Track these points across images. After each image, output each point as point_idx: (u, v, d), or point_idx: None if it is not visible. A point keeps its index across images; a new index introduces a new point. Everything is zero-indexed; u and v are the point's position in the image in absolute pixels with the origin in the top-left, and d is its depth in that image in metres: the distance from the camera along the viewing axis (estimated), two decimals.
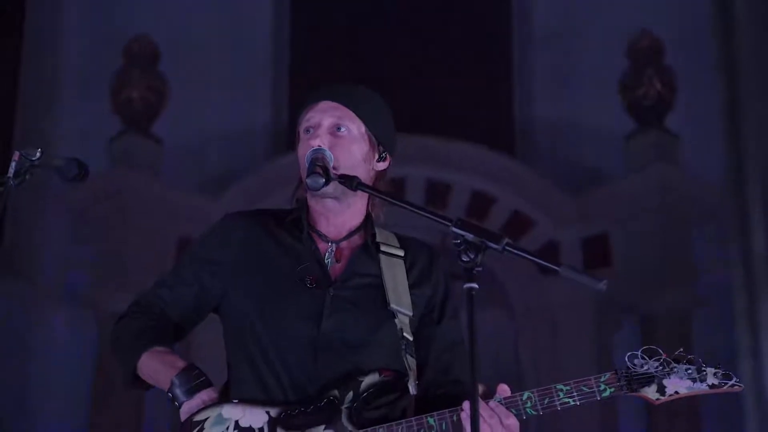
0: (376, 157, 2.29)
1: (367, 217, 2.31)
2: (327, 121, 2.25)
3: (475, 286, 1.85)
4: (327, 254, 2.26)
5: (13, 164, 2.15)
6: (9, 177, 2.13)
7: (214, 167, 7.03)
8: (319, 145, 2.20)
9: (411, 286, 2.25)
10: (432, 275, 2.29)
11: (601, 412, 6.26)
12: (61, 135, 6.79)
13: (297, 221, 2.28)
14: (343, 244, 2.27)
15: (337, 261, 2.25)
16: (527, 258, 1.95)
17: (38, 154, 2.16)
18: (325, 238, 2.27)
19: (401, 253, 2.29)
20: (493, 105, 7.04)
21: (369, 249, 2.27)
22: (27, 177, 2.16)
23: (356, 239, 2.29)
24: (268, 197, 6.43)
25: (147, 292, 2.33)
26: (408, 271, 2.27)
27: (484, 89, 7.03)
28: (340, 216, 2.27)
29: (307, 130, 2.26)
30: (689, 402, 5.94)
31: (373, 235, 2.29)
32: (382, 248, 2.28)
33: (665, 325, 6.32)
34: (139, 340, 2.22)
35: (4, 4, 6.81)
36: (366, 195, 2.26)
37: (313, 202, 2.28)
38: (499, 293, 6.47)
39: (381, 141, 2.30)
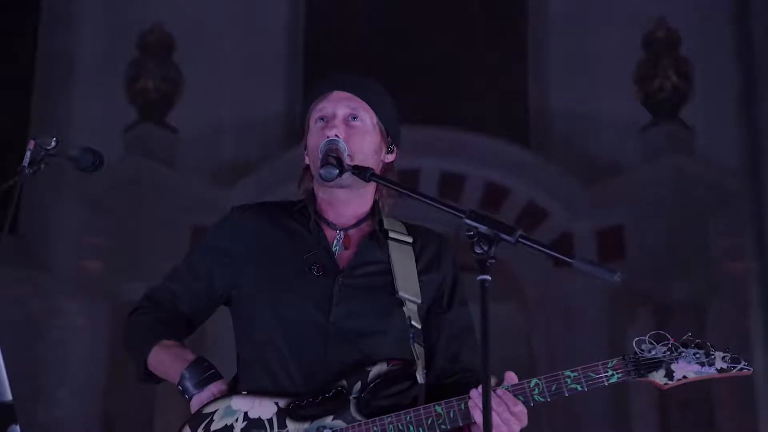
0: (385, 148, 2.29)
1: (375, 205, 2.30)
2: (342, 111, 2.25)
3: (489, 278, 1.84)
4: (335, 242, 2.26)
5: (28, 153, 2.15)
6: (24, 166, 2.14)
7: (228, 157, 7.04)
8: (336, 135, 2.19)
9: (420, 273, 2.25)
10: (441, 262, 2.29)
11: (613, 403, 6.25)
12: (75, 124, 6.81)
13: (304, 210, 2.28)
14: (352, 231, 2.27)
15: (346, 248, 2.25)
16: (541, 250, 1.94)
17: (53, 143, 2.16)
18: (333, 225, 2.27)
19: (410, 240, 2.29)
20: (507, 96, 7.02)
21: (377, 236, 2.27)
22: (42, 166, 2.16)
23: (364, 227, 2.29)
24: (281, 187, 6.42)
25: (158, 287, 2.33)
26: (417, 258, 2.27)
27: (498, 80, 7.01)
28: (348, 205, 2.27)
29: (320, 120, 2.26)
30: (701, 392, 5.95)
31: (381, 222, 2.29)
32: (391, 235, 2.28)
33: (680, 316, 6.30)
34: (149, 334, 2.23)
35: None
36: (374, 184, 2.26)
37: (321, 192, 2.28)
38: (512, 285, 6.46)
39: (390, 133, 2.30)
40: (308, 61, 7.19)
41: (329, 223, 2.26)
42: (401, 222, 2.33)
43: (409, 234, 2.30)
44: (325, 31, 7.17)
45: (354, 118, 2.25)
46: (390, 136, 2.29)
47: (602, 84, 6.86)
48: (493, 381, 1.97)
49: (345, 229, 2.26)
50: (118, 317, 6.57)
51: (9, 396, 1.81)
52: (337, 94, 2.26)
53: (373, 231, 2.27)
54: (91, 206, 6.76)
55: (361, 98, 2.26)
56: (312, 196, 2.29)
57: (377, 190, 2.29)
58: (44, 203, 6.54)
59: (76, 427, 6.46)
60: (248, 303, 2.23)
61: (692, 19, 6.83)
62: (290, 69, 7.18)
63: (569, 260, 1.90)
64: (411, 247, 2.27)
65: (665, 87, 6.76)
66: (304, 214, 2.27)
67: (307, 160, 2.31)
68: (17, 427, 1.82)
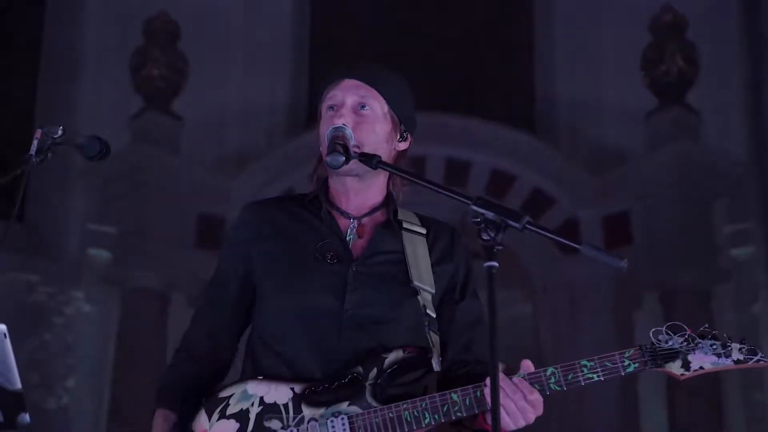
0: (398, 136, 2.28)
1: (388, 194, 2.30)
2: (350, 100, 2.24)
3: (496, 264, 1.84)
4: (349, 230, 2.25)
5: (35, 142, 2.15)
6: (31, 155, 2.14)
7: (233, 144, 7.04)
8: (343, 124, 2.19)
9: (433, 264, 2.25)
10: (454, 254, 2.29)
11: (622, 392, 6.26)
12: (81, 112, 6.81)
13: (316, 200, 2.28)
14: (365, 220, 2.27)
15: (360, 237, 2.25)
16: (547, 236, 1.94)
17: (60, 132, 2.16)
18: (347, 215, 2.26)
19: (423, 230, 2.29)
20: (514, 82, 7.00)
21: (391, 226, 2.27)
22: (49, 155, 2.16)
23: (378, 216, 2.28)
24: (287, 174, 6.43)
25: (189, 329, 2.31)
26: (430, 249, 2.26)
27: (505, 66, 7.00)
28: (360, 194, 2.27)
29: (330, 108, 2.25)
30: (710, 380, 5.95)
31: (395, 212, 2.28)
32: (405, 225, 2.27)
33: (687, 301, 6.30)
34: (162, 393, 2.24)
35: None
36: (386, 173, 2.26)
37: (333, 181, 2.28)
38: (519, 273, 6.46)
39: (403, 120, 2.29)
40: (313, 50, 7.17)
41: (342, 212, 2.26)
42: (414, 213, 2.33)
43: (423, 225, 2.30)
44: (330, 19, 7.16)
45: (363, 106, 2.23)
46: (403, 124, 2.28)
47: (608, 71, 6.85)
48: (501, 367, 1.97)
49: (358, 218, 2.26)
50: (125, 305, 6.60)
51: (18, 384, 1.81)
52: (348, 83, 2.25)
53: (387, 220, 2.27)
54: (98, 195, 6.78)
55: (372, 86, 2.24)
56: (324, 184, 2.29)
57: (390, 179, 2.29)
58: (52, 192, 6.55)
59: (85, 414, 6.48)
60: (263, 292, 2.23)
61: (699, 5, 6.80)
62: (295, 57, 7.17)
63: (577, 246, 1.90)
64: (424, 238, 2.27)
65: (671, 71, 6.74)
66: (316, 203, 2.27)
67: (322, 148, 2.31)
68: (27, 416, 1.82)
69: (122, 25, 6.98)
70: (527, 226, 1.89)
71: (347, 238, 2.24)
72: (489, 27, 6.99)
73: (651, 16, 6.79)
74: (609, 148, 6.82)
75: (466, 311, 2.26)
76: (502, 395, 1.99)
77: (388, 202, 2.29)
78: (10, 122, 6.32)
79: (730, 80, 6.70)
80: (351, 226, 2.25)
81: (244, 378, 2.18)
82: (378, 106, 2.25)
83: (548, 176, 6.76)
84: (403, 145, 2.30)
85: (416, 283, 2.20)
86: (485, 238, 1.87)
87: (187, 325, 2.36)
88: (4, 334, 1.81)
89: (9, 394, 1.81)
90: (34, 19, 6.89)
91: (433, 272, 2.23)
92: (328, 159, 2.15)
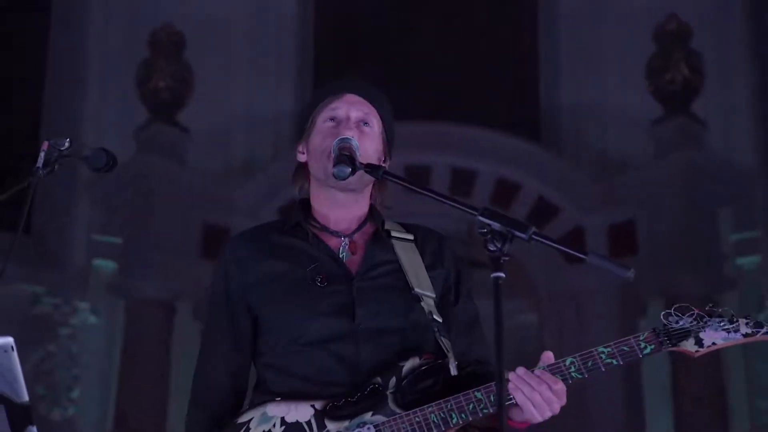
0: (383, 159, 2.29)
1: (371, 207, 2.30)
2: (355, 115, 2.24)
3: (502, 275, 1.84)
4: (341, 248, 2.25)
5: (42, 154, 2.15)
6: (38, 167, 2.14)
7: (239, 154, 7.05)
8: (353, 135, 2.19)
9: (427, 268, 2.25)
10: (444, 258, 2.29)
11: (627, 400, 6.25)
12: (87, 122, 6.83)
13: (298, 226, 2.26)
14: (356, 236, 2.26)
15: (353, 253, 2.25)
16: (554, 247, 1.94)
17: (67, 144, 2.16)
18: (336, 233, 2.26)
19: (411, 237, 2.29)
20: (518, 91, 7.01)
21: (380, 237, 2.27)
22: (56, 167, 2.16)
23: (366, 229, 2.28)
24: (292, 184, 6.43)
25: (204, 372, 2.25)
26: (421, 254, 2.27)
27: (509, 75, 7.01)
28: (350, 207, 2.26)
29: (331, 120, 2.25)
30: (716, 388, 5.93)
31: (383, 222, 2.29)
32: (393, 234, 2.28)
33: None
34: None
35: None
36: (370, 188, 2.26)
37: (323, 192, 2.26)
38: (525, 281, 6.46)
39: (389, 143, 2.30)
40: (318, 58, 7.19)
41: (331, 232, 2.25)
42: (398, 222, 2.33)
43: (409, 232, 2.30)
44: (334, 28, 7.18)
45: (365, 123, 2.24)
46: (388, 146, 2.30)
47: (613, 79, 6.85)
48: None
49: (349, 235, 2.25)
50: (130, 315, 6.60)
51: (25, 397, 1.81)
52: (351, 97, 2.25)
53: (376, 231, 2.27)
54: (103, 206, 6.79)
55: (373, 105, 2.26)
56: (302, 207, 2.27)
57: (371, 195, 2.29)
58: (57, 203, 6.56)
59: (91, 424, 6.49)
60: (268, 323, 2.21)
61: (704, 14, 6.80)
62: (300, 66, 7.19)
63: (583, 256, 1.90)
64: (413, 244, 2.27)
65: (676, 80, 6.74)
66: (299, 229, 2.25)
67: (302, 158, 2.30)
68: (34, 428, 1.82)
69: (127, 36, 7.00)
70: (534, 236, 1.89)
71: (340, 256, 2.24)
72: (493, 35, 7.01)
73: (655, 24, 6.79)
74: (614, 157, 6.82)
75: (462, 313, 2.27)
76: (527, 389, 2.01)
77: (373, 214, 2.30)
78: (15, 132, 6.34)
79: (735, 88, 6.71)
80: (342, 244, 2.25)
81: (254, 403, 2.16)
82: (377, 125, 2.27)
83: (553, 185, 6.76)
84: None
85: (417, 290, 2.20)
86: (492, 248, 1.87)
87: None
88: (12, 347, 1.80)
89: (16, 406, 1.81)
90: (39, 32, 6.91)
91: (429, 277, 2.24)
92: (334, 170, 2.15)
